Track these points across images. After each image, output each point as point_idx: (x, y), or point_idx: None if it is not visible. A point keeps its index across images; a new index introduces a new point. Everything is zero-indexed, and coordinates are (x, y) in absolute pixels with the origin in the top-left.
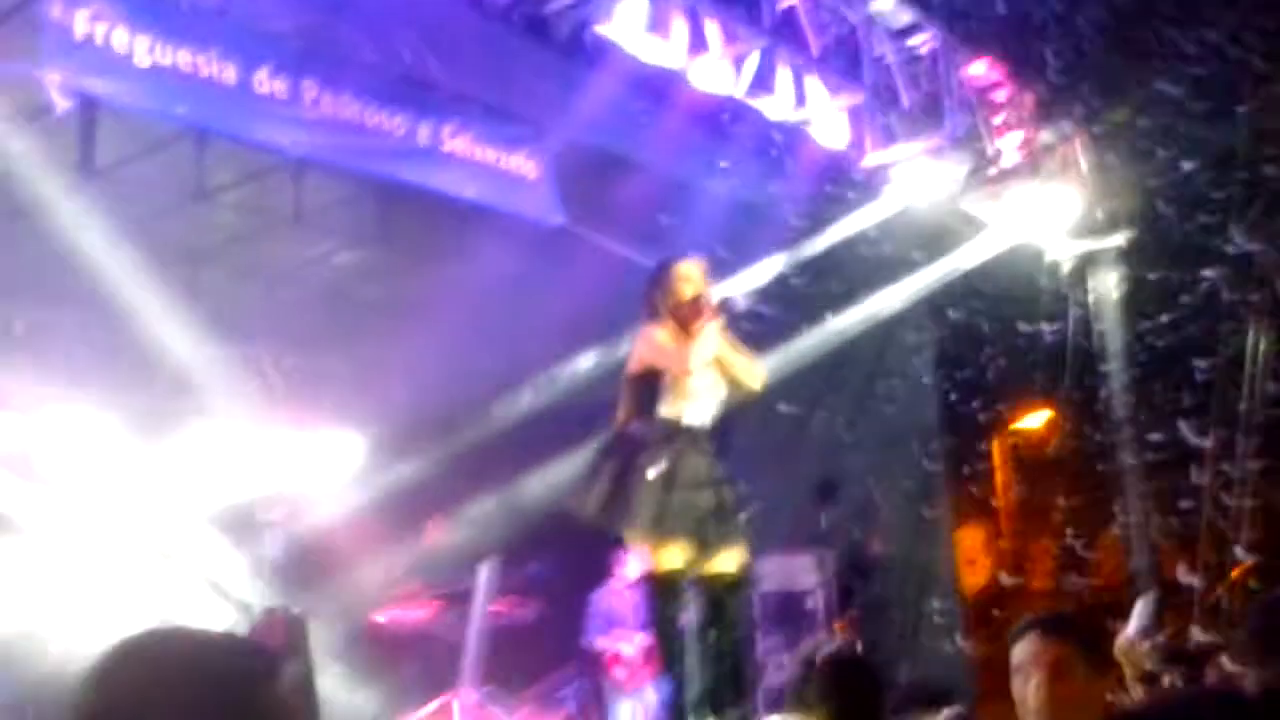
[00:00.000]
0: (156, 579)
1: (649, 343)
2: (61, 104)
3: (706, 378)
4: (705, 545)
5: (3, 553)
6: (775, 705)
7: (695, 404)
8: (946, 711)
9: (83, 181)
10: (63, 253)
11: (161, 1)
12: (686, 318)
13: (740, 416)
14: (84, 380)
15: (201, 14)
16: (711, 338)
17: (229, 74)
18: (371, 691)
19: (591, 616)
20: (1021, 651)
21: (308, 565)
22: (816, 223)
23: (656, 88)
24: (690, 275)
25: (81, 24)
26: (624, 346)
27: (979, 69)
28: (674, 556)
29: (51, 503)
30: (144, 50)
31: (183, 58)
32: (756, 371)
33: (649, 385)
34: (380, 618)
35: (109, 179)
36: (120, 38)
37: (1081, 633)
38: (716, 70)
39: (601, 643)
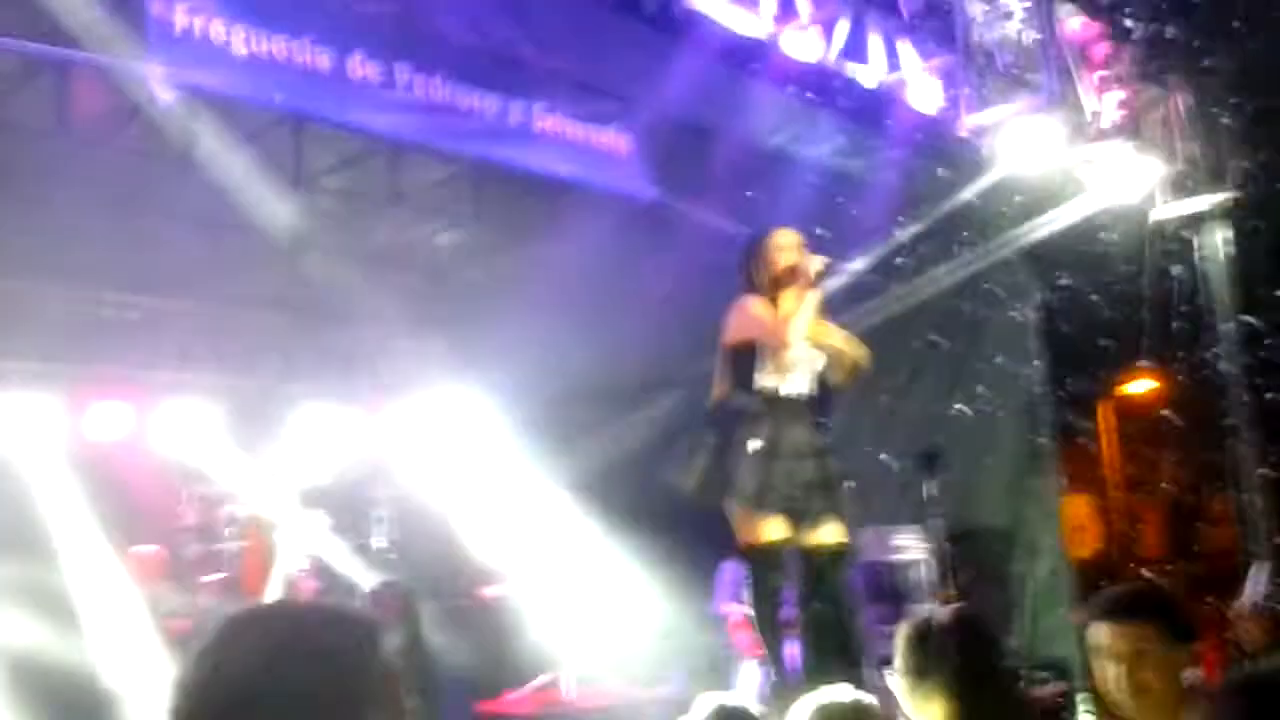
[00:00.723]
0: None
1: (745, 314)
2: (165, 97)
3: (804, 348)
4: (807, 517)
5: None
6: (884, 677)
7: (794, 375)
8: (1052, 686)
9: (186, 171)
10: (171, 242)
11: None
12: (783, 288)
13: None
14: (196, 366)
15: (295, 1)
16: (808, 309)
17: (323, 60)
18: (480, 666)
19: (721, 583)
20: (1096, 637)
21: (417, 540)
22: (913, 189)
23: (746, 58)
24: (786, 245)
25: (181, 17)
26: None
27: (1075, 25)
28: (775, 529)
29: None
30: (240, 40)
31: (278, 46)
32: (855, 345)
33: (746, 357)
34: (490, 591)
35: (211, 168)
36: (218, 29)
37: (1152, 610)
38: (806, 38)
39: (729, 608)
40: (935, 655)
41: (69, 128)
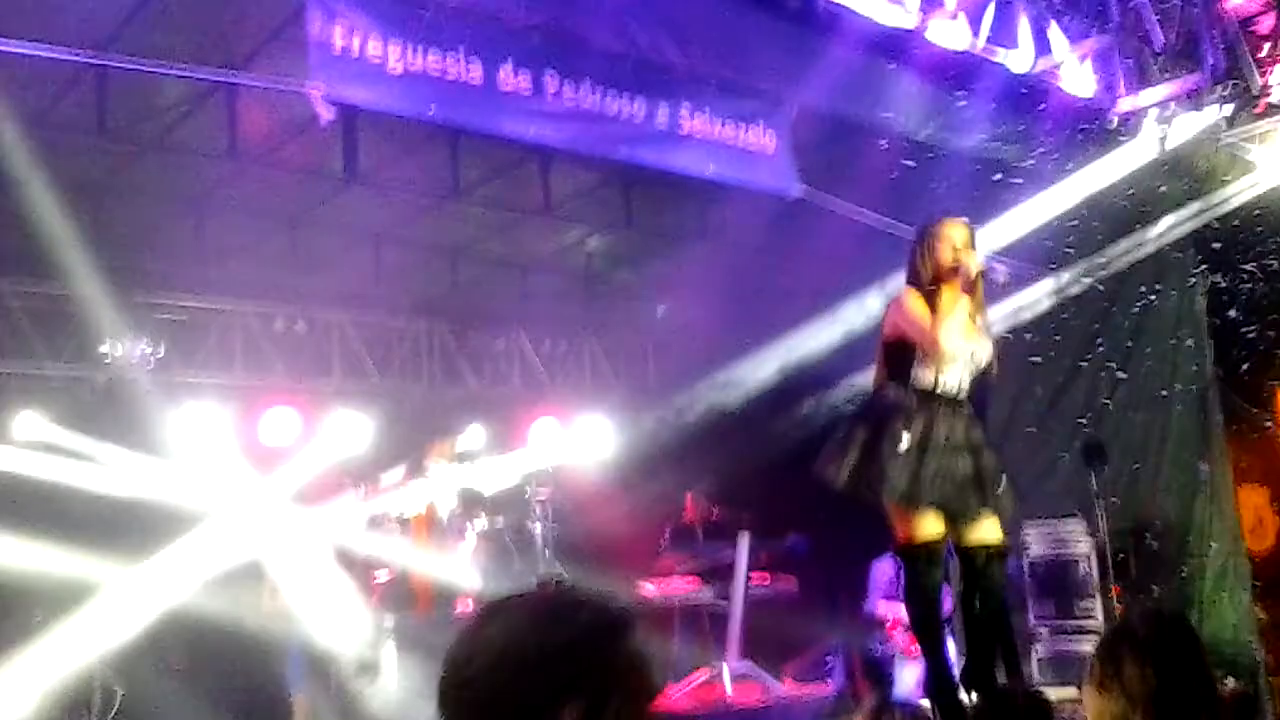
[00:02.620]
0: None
1: (901, 311)
2: (326, 115)
3: (962, 344)
4: (964, 513)
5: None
6: (1053, 674)
7: (950, 369)
8: (1230, 684)
9: (348, 186)
10: (335, 256)
11: (408, 7)
12: (945, 283)
13: (1001, 378)
14: (359, 374)
15: (446, 16)
16: (963, 310)
17: (475, 73)
18: None
19: (874, 582)
20: None
21: (576, 540)
22: (1071, 176)
23: (892, 49)
24: (951, 238)
25: (339, 38)
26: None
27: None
28: (931, 525)
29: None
30: (395, 57)
31: (431, 60)
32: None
33: (902, 351)
34: (646, 589)
35: (371, 182)
36: (374, 47)
37: None
38: (953, 26)
39: (884, 609)
40: (1137, 657)
41: (236, 150)
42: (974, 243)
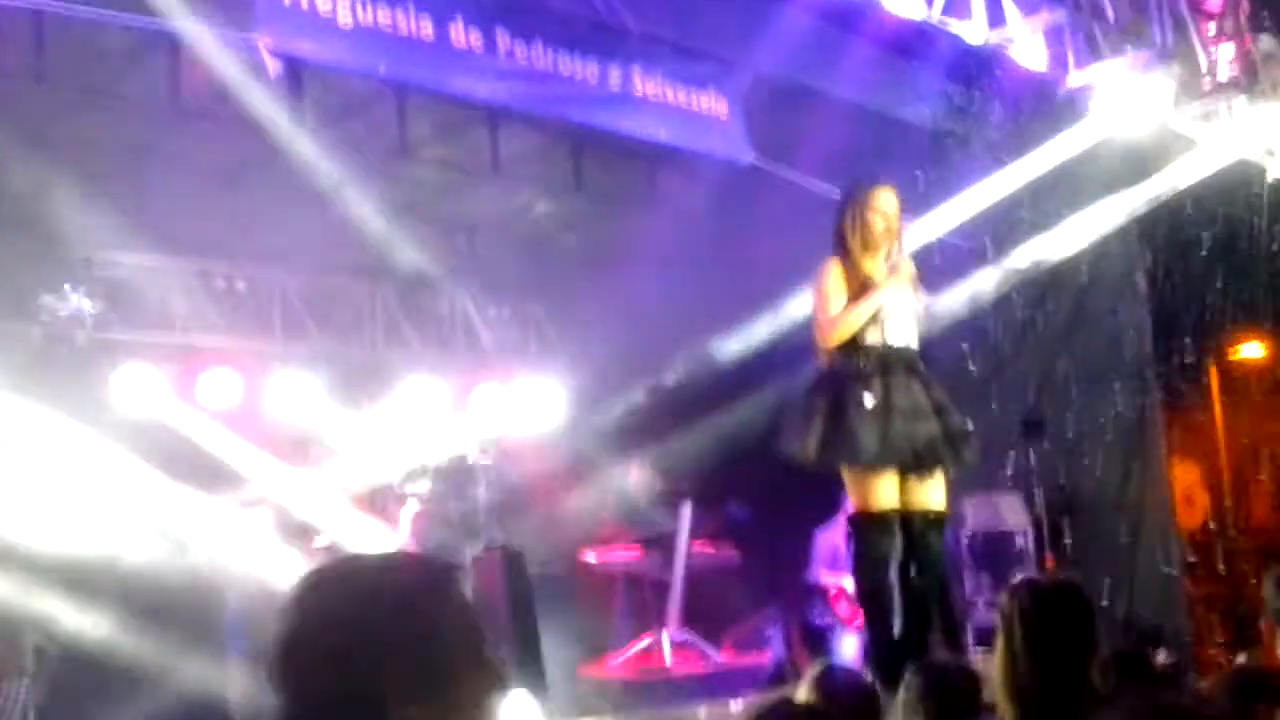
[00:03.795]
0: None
1: (817, 289)
2: (273, 67)
3: (899, 296)
4: (920, 474)
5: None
6: (988, 646)
7: (894, 325)
8: (1161, 655)
9: (292, 144)
10: (276, 211)
11: None
12: (872, 251)
13: (941, 352)
14: (300, 335)
15: None
16: (895, 264)
17: (426, 29)
18: (581, 628)
19: (817, 551)
20: None
21: (519, 507)
22: (1019, 149)
23: (846, 16)
24: (883, 208)
25: None
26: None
27: None
28: (886, 495)
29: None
30: (345, 10)
31: (382, 16)
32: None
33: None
34: (589, 558)
35: (316, 138)
36: (324, 0)
37: None
38: None
39: (826, 578)
40: (1025, 625)
41: (179, 102)
42: (901, 210)
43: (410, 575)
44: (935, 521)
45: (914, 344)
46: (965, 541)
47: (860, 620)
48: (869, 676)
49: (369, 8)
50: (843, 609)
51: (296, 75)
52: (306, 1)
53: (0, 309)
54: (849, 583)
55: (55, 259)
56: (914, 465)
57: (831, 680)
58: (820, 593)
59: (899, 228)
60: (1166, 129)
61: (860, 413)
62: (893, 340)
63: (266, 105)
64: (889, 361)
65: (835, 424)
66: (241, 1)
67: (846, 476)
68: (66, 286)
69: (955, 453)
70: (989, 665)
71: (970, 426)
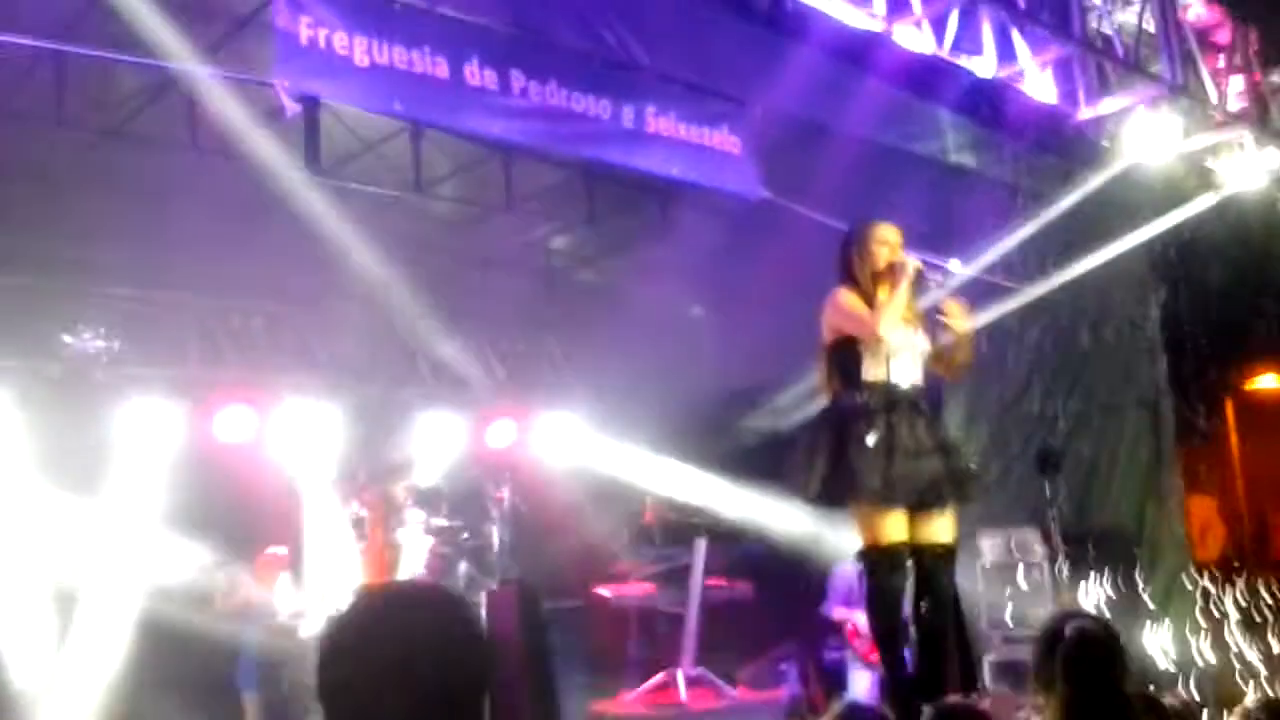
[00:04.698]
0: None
1: (836, 309)
2: (291, 107)
3: (904, 335)
4: (925, 512)
5: None
6: (1005, 681)
7: (898, 363)
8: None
9: (310, 180)
10: (294, 250)
11: (375, 2)
12: (881, 284)
13: (951, 383)
14: (317, 371)
15: (412, 12)
16: (900, 299)
17: (441, 69)
18: (595, 663)
19: (834, 588)
20: None
21: (534, 542)
22: (1030, 183)
23: (859, 53)
24: (887, 239)
25: (305, 30)
26: None
27: (1197, 10)
28: (896, 530)
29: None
30: (362, 51)
31: (398, 55)
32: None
33: (848, 353)
34: (604, 592)
35: (334, 176)
36: (340, 40)
37: None
38: (919, 31)
39: (841, 613)
40: (1062, 673)
41: (197, 141)
42: (904, 243)
43: (441, 612)
44: (944, 556)
45: (918, 382)
46: (981, 575)
47: (875, 656)
48: (889, 714)
49: (385, 48)
50: (859, 645)
51: (313, 114)
52: (324, 41)
53: (20, 346)
54: (863, 618)
55: (74, 296)
56: (917, 504)
57: (849, 714)
58: (836, 628)
59: (902, 256)
60: (1179, 162)
61: (862, 450)
62: (896, 379)
63: (277, 148)
64: (893, 399)
65: (837, 461)
66: (259, 42)
67: (854, 513)
68: (83, 324)
69: (959, 491)
70: (1006, 703)
71: (975, 465)
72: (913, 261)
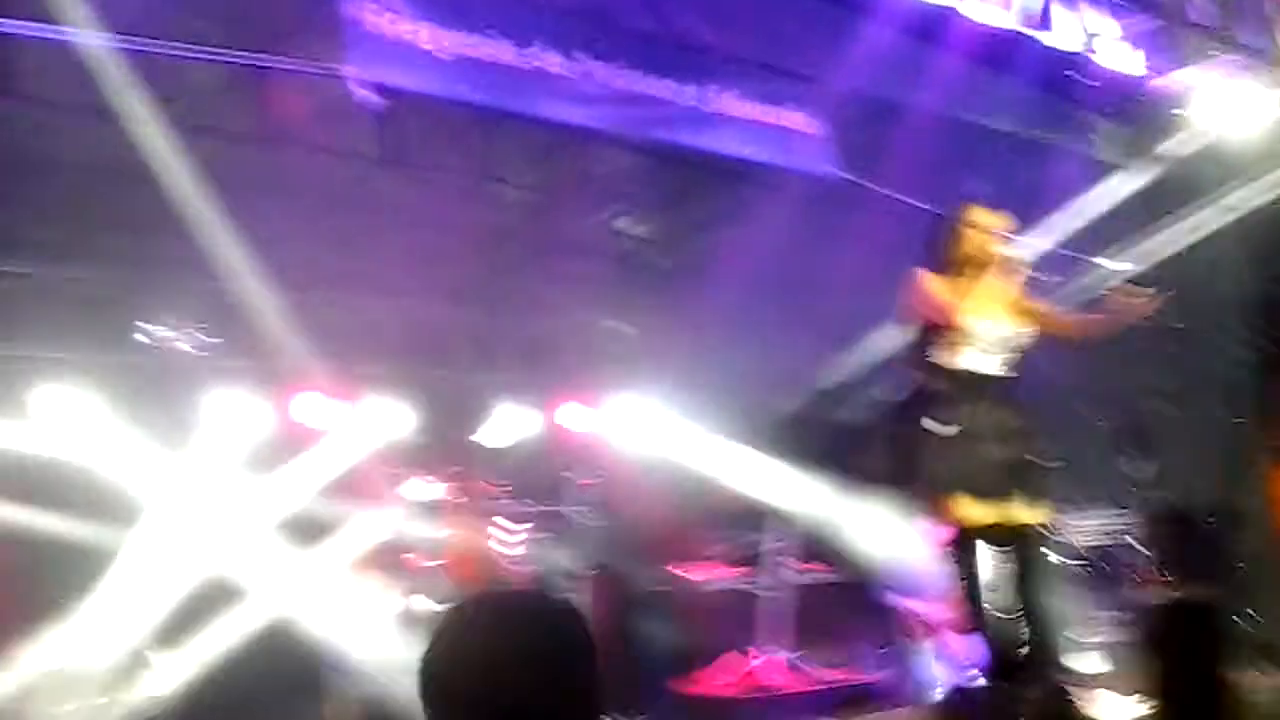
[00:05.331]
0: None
1: (917, 293)
2: (370, 99)
3: (989, 325)
4: (1006, 499)
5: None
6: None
7: (984, 353)
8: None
9: (384, 170)
10: (370, 239)
11: None
12: (970, 267)
13: (1038, 368)
14: (393, 359)
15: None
16: (991, 288)
17: (509, 54)
18: (681, 646)
19: (895, 574)
20: None
21: (620, 527)
22: (1110, 155)
23: (929, 28)
24: (981, 224)
25: (372, 19)
26: None
27: None
28: (973, 511)
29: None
30: (429, 38)
31: (467, 42)
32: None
33: (929, 336)
34: (690, 575)
35: (409, 166)
36: (407, 28)
37: None
38: (990, 5)
39: (905, 600)
40: (1159, 643)
41: (269, 132)
42: (1003, 228)
43: (548, 606)
44: (1033, 539)
45: (1003, 370)
46: (1072, 559)
47: (938, 640)
48: (993, 691)
49: (455, 35)
50: (922, 631)
51: (387, 103)
52: (391, 30)
53: (105, 339)
54: (929, 604)
55: (156, 289)
56: (994, 490)
57: (963, 699)
58: (899, 612)
59: (998, 242)
60: (1262, 132)
61: (938, 439)
62: (980, 366)
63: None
64: (975, 386)
65: (915, 448)
66: (330, 32)
67: (933, 499)
68: (166, 316)
69: (1036, 480)
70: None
71: (1054, 454)
72: (1008, 250)
